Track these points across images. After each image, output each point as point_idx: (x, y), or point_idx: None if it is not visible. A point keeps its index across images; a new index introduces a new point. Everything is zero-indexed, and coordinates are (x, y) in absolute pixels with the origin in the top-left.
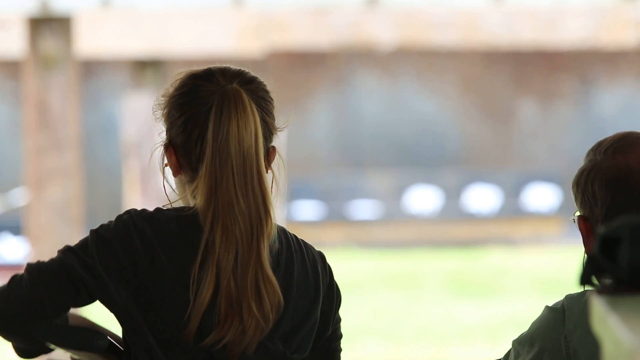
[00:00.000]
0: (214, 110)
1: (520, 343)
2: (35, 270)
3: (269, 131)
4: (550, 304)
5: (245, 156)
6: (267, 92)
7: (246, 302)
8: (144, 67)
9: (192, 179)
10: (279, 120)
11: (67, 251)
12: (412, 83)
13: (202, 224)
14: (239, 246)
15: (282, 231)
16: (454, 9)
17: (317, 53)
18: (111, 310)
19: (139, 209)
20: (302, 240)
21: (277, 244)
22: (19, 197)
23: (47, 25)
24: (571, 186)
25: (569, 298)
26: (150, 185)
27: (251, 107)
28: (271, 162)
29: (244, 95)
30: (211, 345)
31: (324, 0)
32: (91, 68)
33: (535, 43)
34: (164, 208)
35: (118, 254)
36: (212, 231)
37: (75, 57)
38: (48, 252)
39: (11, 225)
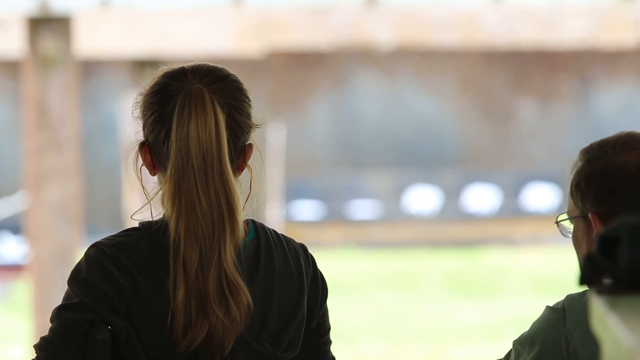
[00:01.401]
0: (176, 110)
1: (521, 343)
2: (46, 344)
3: (240, 129)
4: (551, 304)
5: (205, 156)
6: (240, 90)
7: (210, 302)
8: (144, 67)
9: (163, 179)
10: (257, 117)
11: (57, 312)
12: (411, 83)
13: (170, 225)
14: (202, 246)
15: (260, 227)
16: (454, 9)
17: (316, 53)
18: (116, 332)
19: (102, 239)
20: (282, 235)
21: (253, 243)
22: (21, 200)
23: (46, 25)
24: (576, 184)
25: (570, 298)
26: (150, 185)
27: (213, 106)
28: (247, 160)
29: (206, 96)
30: (187, 347)
31: (323, 0)
32: (90, 68)
33: (534, 43)
34: (133, 227)
35: (100, 288)
36: (177, 232)
37: (75, 57)
38: (47, 252)
39: (11, 225)
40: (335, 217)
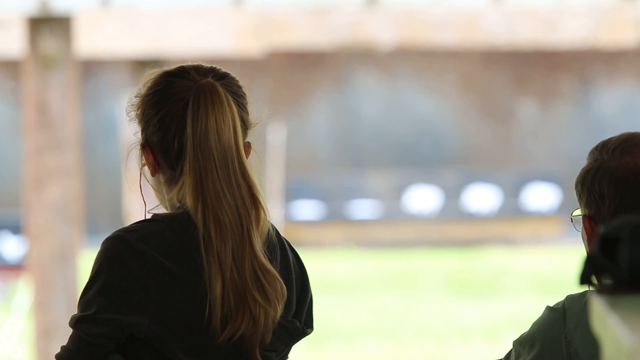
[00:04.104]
0: (190, 105)
1: (521, 343)
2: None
3: (244, 125)
4: (551, 304)
5: (225, 149)
6: (240, 87)
7: (249, 292)
8: (144, 67)
9: (171, 177)
10: (254, 116)
11: (75, 323)
12: (411, 83)
13: (195, 220)
14: (233, 239)
15: None
16: (454, 9)
17: (316, 53)
18: (141, 335)
19: (124, 230)
20: None
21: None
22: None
23: (47, 25)
24: (574, 185)
25: (570, 298)
26: (150, 185)
27: (227, 99)
28: (247, 157)
29: (220, 89)
30: (229, 339)
31: (323, 0)
32: (91, 68)
33: (534, 43)
34: (150, 218)
35: (122, 289)
36: (205, 226)
37: (75, 57)
38: (47, 252)
39: (11, 225)
40: (335, 217)
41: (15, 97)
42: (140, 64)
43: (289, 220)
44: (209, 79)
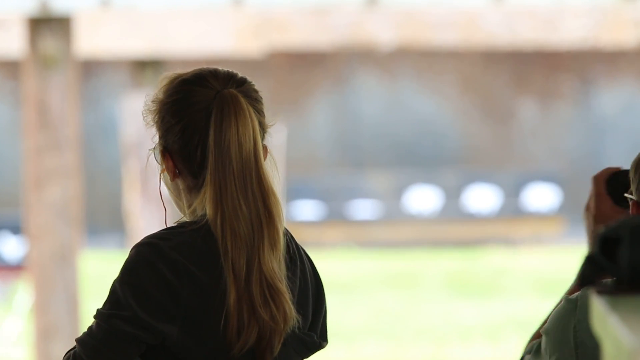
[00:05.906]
0: (213, 117)
1: (544, 332)
2: (93, 352)
3: (263, 131)
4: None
5: (245, 161)
6: (257, 91)
7: (257, 308)
8: (144, 67)
9: (193, 185)
10: (269, 117)
11: (108, 319)
12: (411, 83)
13: (214, 231)
14: (247, 251)
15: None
16: (454, 9)
17: (316, 53)
18: (169, 343)
19: (157, 238)
20: None
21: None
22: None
23: (47, 25)
24: (631, 166)
25: (585, 290)
26: (150, 185)
27: (249, 111)
28: (264, 161)
29: (242, 100)
30: (240, 350)
31: (323, 0)
32: (91, 68)
33: (535, 43)
34: (176, 225)
35: (155, 296)
36: (223, 236)
37: (75, 57)
38: (47, 252)
39: (11, 225)
40: (335, 217)
41: (15, 97)
42: (140, 64)
43: (289, 221)
44: (230, 90)
